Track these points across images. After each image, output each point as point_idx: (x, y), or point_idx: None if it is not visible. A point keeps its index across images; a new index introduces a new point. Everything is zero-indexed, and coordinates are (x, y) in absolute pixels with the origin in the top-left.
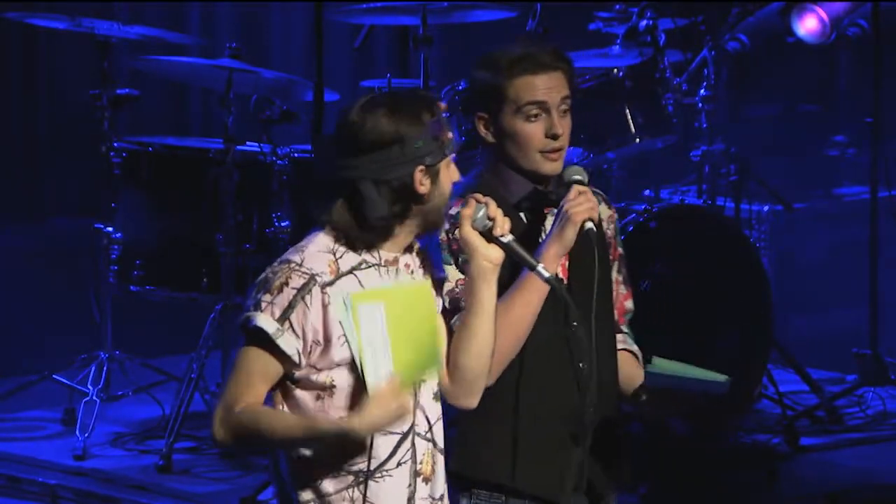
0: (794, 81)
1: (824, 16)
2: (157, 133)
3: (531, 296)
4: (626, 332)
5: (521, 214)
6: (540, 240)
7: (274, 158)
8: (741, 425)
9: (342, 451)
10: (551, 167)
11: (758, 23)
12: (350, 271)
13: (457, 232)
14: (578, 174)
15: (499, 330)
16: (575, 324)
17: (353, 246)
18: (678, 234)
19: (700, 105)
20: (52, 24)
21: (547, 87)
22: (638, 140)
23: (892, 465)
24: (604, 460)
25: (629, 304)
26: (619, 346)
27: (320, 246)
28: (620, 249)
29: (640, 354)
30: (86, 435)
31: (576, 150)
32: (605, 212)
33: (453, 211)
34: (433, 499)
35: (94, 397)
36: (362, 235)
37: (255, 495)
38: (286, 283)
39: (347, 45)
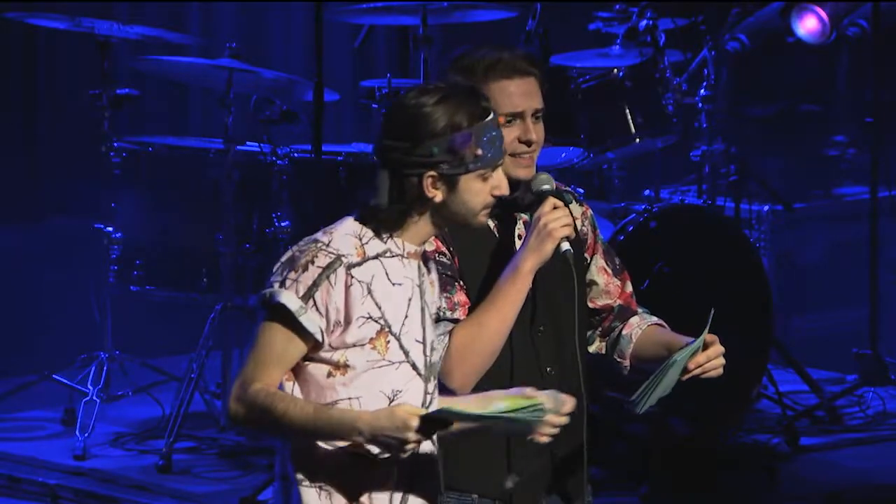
0: (794, 81)
1: (824, 16)
2: (157, 133)
3: (507, 307)
4: (640, 311)
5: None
6: (515, 246)
7: (274, 158)
8: (741, 425)
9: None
10: (524, 173)
11: (758, 23)
12: (376, 257)
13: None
14: (547, 183)
15: (475, 339)
16: (541, 328)
17: (378, 232)
18: (678, 234)
19: (700, 105)
20: (52, 24)
21: (522, 92)
22: (638, 140)
23: (892, 465)
24: (574, 461)
25: (629, 286)
26: (643, 324)
27: (348, 230)
28: (601, 244)
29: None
30: (86, 435)
31: (576, 150)
32: (576, 210)
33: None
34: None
35: (94, 397)
36: (379, 222)
37: (255, 495)
38: (312, 262)
39: (347, 45)
